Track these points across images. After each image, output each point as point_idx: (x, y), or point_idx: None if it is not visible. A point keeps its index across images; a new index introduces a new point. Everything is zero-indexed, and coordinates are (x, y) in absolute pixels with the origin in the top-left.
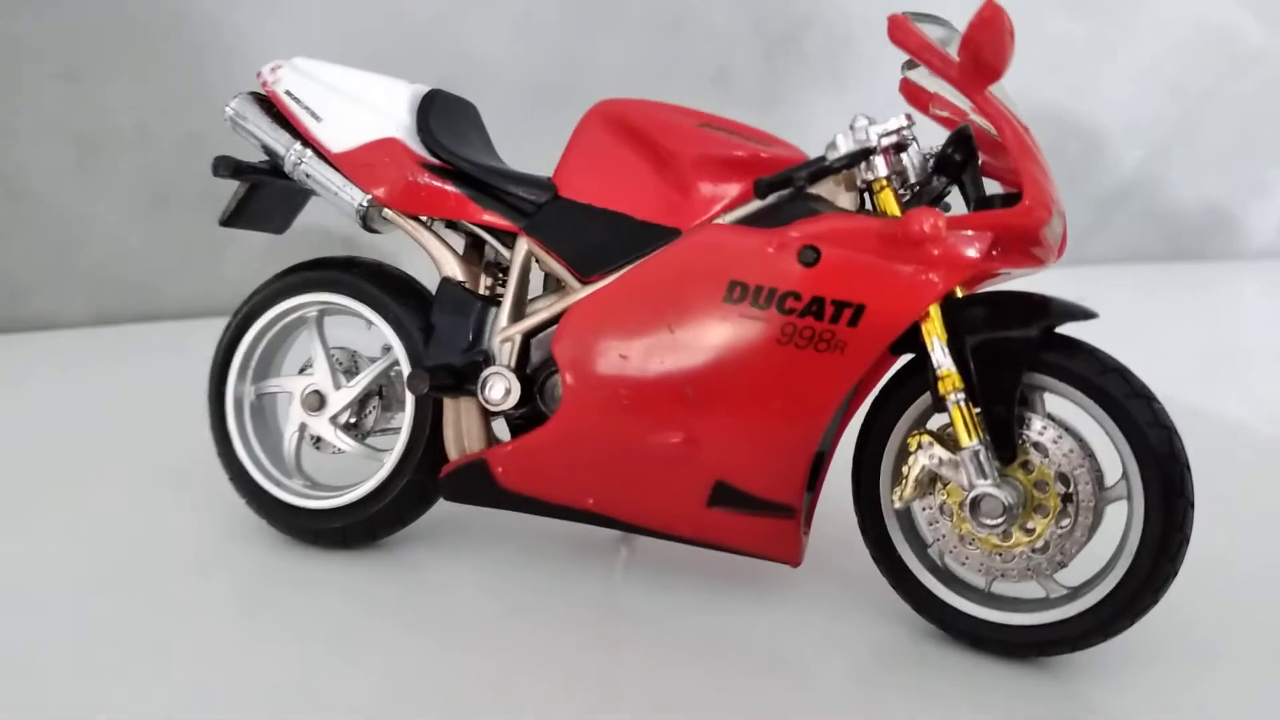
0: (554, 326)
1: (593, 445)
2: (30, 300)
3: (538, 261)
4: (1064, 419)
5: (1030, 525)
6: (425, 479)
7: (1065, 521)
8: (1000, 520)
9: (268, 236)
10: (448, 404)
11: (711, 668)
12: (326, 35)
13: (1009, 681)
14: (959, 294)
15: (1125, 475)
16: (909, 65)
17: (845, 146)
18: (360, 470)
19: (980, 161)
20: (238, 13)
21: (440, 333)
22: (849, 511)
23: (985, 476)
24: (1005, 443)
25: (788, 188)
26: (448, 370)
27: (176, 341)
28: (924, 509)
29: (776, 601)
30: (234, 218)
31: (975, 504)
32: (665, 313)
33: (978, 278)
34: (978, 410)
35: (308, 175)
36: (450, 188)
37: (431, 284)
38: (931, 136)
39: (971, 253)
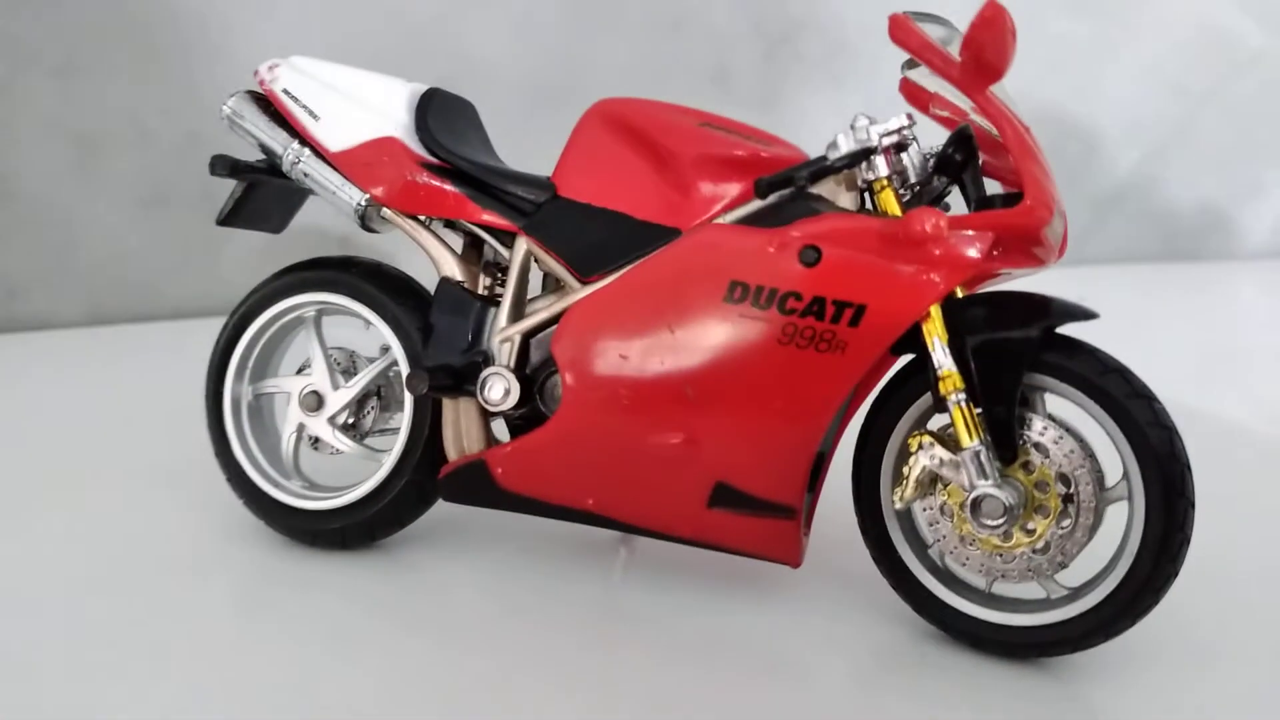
0: (553, 327)
1: (593, 446)
2: (28, 300)
3: (537, 261)
4: (1065, 419)
5: (1031, 526)
6: (424, 479)
7: (1066, 522)
8: (1001, 521)
9: (265, 236)
10: (447, 404)
11: (711, 668)
12: (326, 34)
13: (1010, 682)
14: (959, 294)
15: (1126, 476)
16: (909, 65)
17: (846, 146)
18: (359, 471)
19: (981, 161)
20: (236, 13)
21: (439, 333)
22: (849, 512)
23: (986, 477)
24: (1006, 443)
25: (789, 187)
26: (447, 370)
27: (174, 341)
28: (924, 509)
29: (776, 602)
30: (231, 217)
31: (976, 505)
32: (665, 313)
33: (978, 278)
34: (978, 411)
35: (306, 174)
36: (449, 187)
37: (429, 284)
38: (931, 136)
39: (973, 253)
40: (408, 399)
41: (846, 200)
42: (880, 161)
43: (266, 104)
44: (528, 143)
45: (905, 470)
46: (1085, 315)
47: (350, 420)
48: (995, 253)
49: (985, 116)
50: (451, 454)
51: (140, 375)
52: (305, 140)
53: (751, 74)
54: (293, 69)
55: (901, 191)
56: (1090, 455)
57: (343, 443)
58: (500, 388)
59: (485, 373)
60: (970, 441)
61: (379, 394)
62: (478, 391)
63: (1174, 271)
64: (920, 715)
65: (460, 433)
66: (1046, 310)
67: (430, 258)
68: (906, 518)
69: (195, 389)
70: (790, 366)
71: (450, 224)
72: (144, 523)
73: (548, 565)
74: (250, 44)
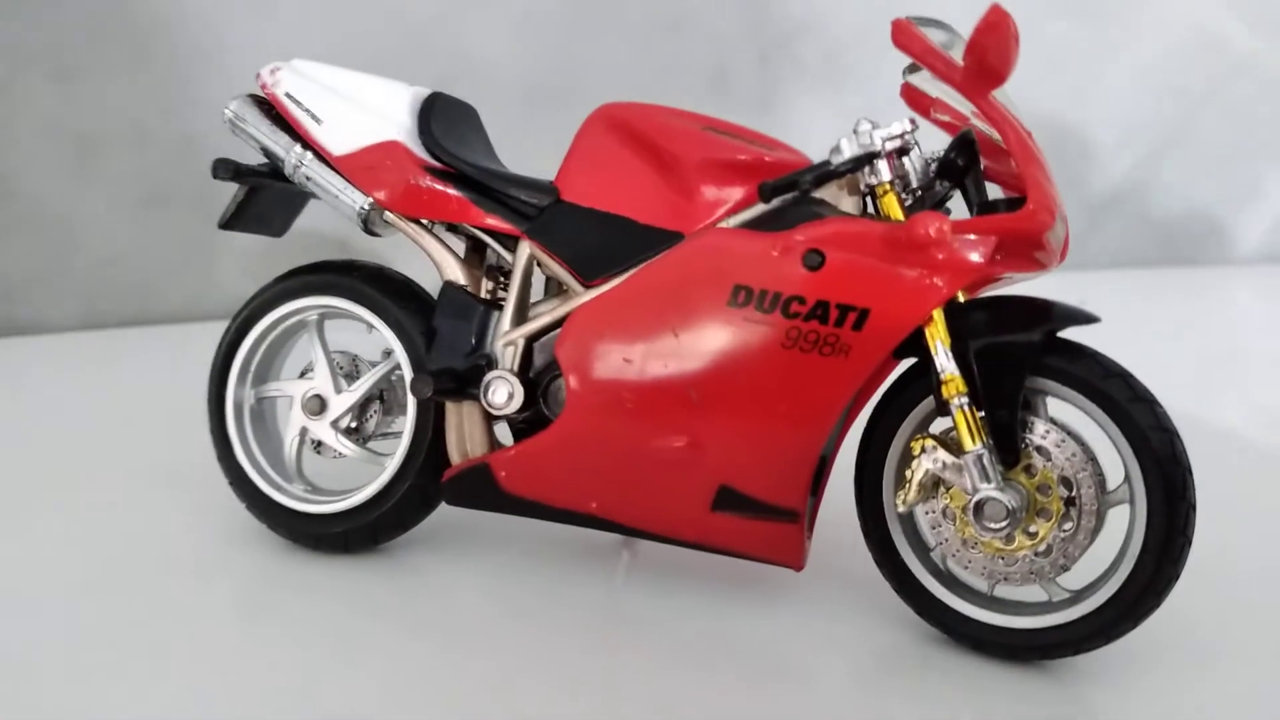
0: (557, 330)
1: (596, 449)
2: (26, 302)
3: (540, 265)
4: (1066, 423)
5: (1033, 529)
6: (427, 483)
7: (1068, 525)
8: (1003, 524)
9: (265, 239)
10: (450, 408)
11: (714, 671)
12: (326, 35)
13: (1012, 685)
14: (961, 298)
15: (1127, 479)
16: (911, 69)
17: (849, 150)
18: (362, 475)
19: (983, 166)
20: (236, 14)
21: (442, 336)
22: (852, 515)
23: (989, 480)
24: (1008, 447)
25: (792, 191)
26: (450, 374)
27: (173, 344)
28: (927, 513)
29: (779, 605)
30: (233, 220)
31: (979, 508)
32: (669, 316)
33: (980, 282)
34: (981, 414)
35: (308, 178)
36: (452, 191)
37: (431, 288)
38: (933, 141)
39: (976, 257)
40: (411, 403)
41: (849, 205)
42: (883, 166)
43: (269, 107)
44: (527, 143)
45: (908, 474)
46: (1087, 319)
47: (353, 424)
48: (998, 257)
49: (987, 121)
50: (455, 457)
51: (140, 378)
52: (308, 144)
53: (750, 75)
54: (295, 72)
55: (904, 196)
56: (1092, 458)
57: (345, 446)
58: (504, 391)
59: (488, 376)
60: (973, 445)
61: (382, 398)
62: (481, 395)
63: (1171, 276)
64: (922, 718)
65: (463, 436)
66: (1048, 314)
67: (433, 261)
68: (909, 521)
69: (195, 392)
70: (794, 370)
71: (453, 228)
72: (144, 525)
73: (551, 569)
74: (250, 45)
